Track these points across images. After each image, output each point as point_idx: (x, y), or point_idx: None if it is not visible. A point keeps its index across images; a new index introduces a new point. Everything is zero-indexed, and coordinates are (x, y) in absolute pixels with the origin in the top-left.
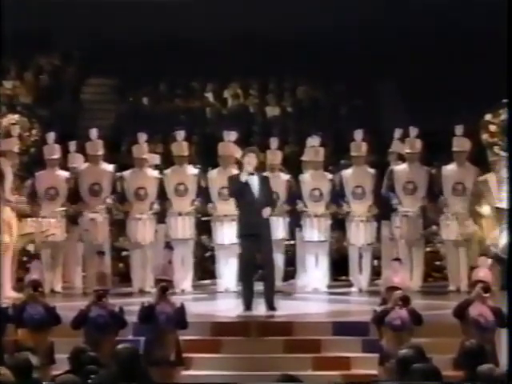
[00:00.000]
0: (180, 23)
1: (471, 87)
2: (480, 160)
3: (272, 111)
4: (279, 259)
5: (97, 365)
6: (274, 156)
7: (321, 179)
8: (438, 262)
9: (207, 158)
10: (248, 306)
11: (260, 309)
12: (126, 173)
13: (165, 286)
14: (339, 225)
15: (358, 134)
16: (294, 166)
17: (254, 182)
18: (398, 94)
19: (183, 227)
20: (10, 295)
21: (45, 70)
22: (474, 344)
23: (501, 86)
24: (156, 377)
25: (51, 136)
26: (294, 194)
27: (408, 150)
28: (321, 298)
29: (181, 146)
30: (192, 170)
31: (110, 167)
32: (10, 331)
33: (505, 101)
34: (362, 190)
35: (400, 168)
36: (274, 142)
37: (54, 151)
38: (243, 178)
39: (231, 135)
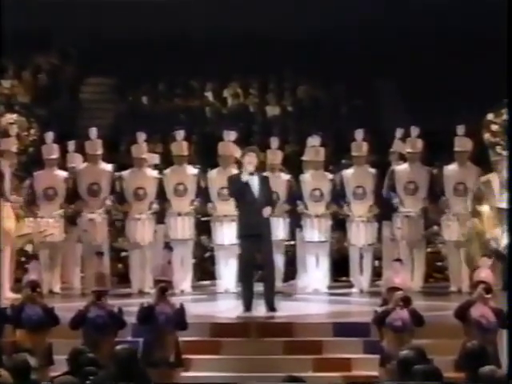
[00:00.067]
0: (179, 22)
1: (473, 87)
2: (482, 160)
3: (272, 110)
4: (279, 260)
5: (96, 366)
6: (275, 156)
7: (321, 179)
8: (439, 263)
9: (207, 157)
10: (248, 306)
11: (260, 310)
12: (125, 173)
13: (164, 287)
14: (340, 225)
15: (359, 134)
16: (294, 165)
17: (254, 182)
18: (399, 94)
19: (183, 227)
20: (8, 296)
21: (43, 69)
22: (475, 345)
23: (502, 86)
24: (155, 378)
25: (49, 136)
26: (295, 194)
27: (409, 150)
28: (321, 299)
29: (180, 145)
30: (191, 170)
31: (108, 167)
32: (9, 332)
33: (505, 100)
34: (363, 190)
35: (401, 168)
36: (274, 142)
37: (52, 151)
38: (244, 177)
39: (231, 135)
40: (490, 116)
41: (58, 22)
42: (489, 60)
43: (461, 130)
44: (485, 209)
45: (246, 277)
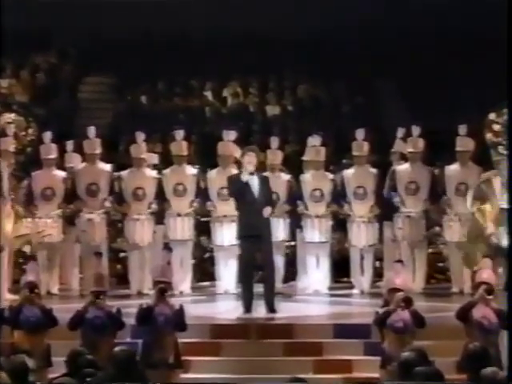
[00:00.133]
0: (179, 21)
1: (473, 87)
2: (484, 160)
3: (272, 110)
4: (279, 260)
5: (94, 368)
6: (275, 156)
7: (322, 179)
8: (440, 264)
9: (206, 157)
10: (248, 308)
11: (260, 311)
12: (124, 173)
13: (163, 287)
14: (340, 225)
15: (360, 134)
16: (294, 165)
17: (254, 182)
18: (401, 93)
19: (182, 228)
20: (6, 297)
21: (41, 69)
22: (477, 347)
23: (503, 86)
24: (154, 380)
25: (48, 135)
26: (295, 195)
27: (410, 150)
28: (322, 300)
29: (180, 145)
30: (191, 170)
31: (107, 167)
32: (6, 333)
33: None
34: (364, 190)
35: (402, 168)
36: (274, 142)
37: (50, 151)
38: (244, 177)
39: (231, 134)
40: (492, 116)
41: (57, 21)
42: (489, 60)
43: (462, 129)
44: (485, 206)
45: (245, 278)
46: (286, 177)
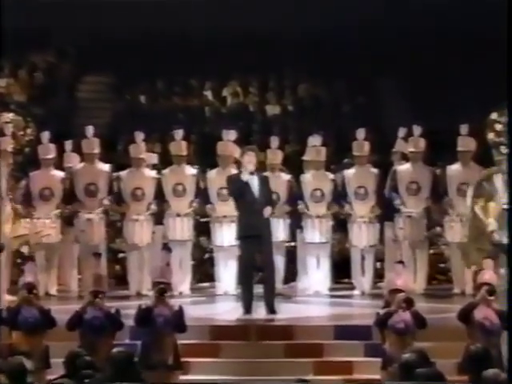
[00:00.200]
0: (179, 21)
1: (474, 86)
2: (485, 160)
3: (272, 110)
4: (280, 261)
5: (93, 369)
6: (275, 155)
7: (322, 179)
8: (442, 265)
9: (206, 157)
10: (248, 309)
11: (260, 312)
12: (123, 173)
13: (163, 288)
14: (341, 226)
15: (361, 133)
16: (294, 165)
17: (254, 182)
18: (402, 93)
19: (181, 228)
20: (6, 298)
21: (39, 68)
22: (479, 348)
23: (503, 86)
24: (153, 381)
25: (46, 135)
26: (295, 195)
27: (411, 149)
28: (322, 301)
29: (179, 145)
30: (190, 170)
31: (106, 167)
32: (5, 334)
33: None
34: (365, 190)
35: (403, 168)
36: (274, 142)
37: (48, 151)
38: (244, 177)
39: (230, 134)
40: (494, 115)
41: (56, 20)
42: (489, 60)
43: (464, 129)
44: (488, 204)
45: (245, 279)
46: (286, 177)
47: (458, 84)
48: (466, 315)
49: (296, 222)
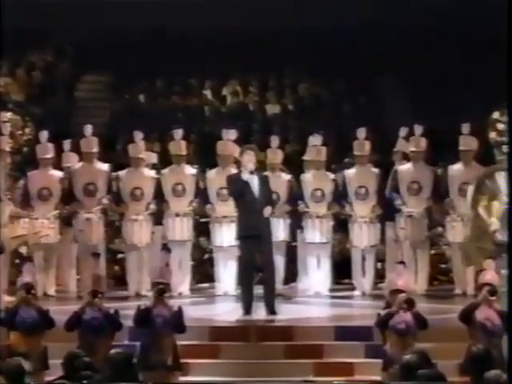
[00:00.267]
0: (179, 21)
1: (475, 86)
2: (487, 159)
3: (272, 109)
4: (280, 261)
5: (91, 370)
6: (275, 155)
7: (323, 179)
8: (443, 265)
9: (205, 157)
10: (247, 309)
11: (260, 313)
12: (122, 172)
13: (162, 289)
14: (342, 226)
15: (361, 133)
16: (295, 165)
17: (254, 182)
18: (403, 92)
19: (181, 229)
20: (3, 298)
21: (37, 67)
22: (480, 349)
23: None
24: (152, 382)
25: (44, 135)
26: (296, 195)
27: (413, 149)
28: (323, 302)
29: (178, 145)
30: (190, 170)
31: (105, 166)
32: (3, 335)
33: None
34: (366, 190)
35: (404, 168)
36: (274, 141)
37: (47, 150)
38: (244, 176)
39: (230, 134)
40: (496, 114)
41: (55, 20)
42: (489, 60)
43: (466, 128)
44: (492, 203)
45: (245, 279)
46: (286, 177)
47: (458, 84)
48: (467, 316)
49: (296, 222)
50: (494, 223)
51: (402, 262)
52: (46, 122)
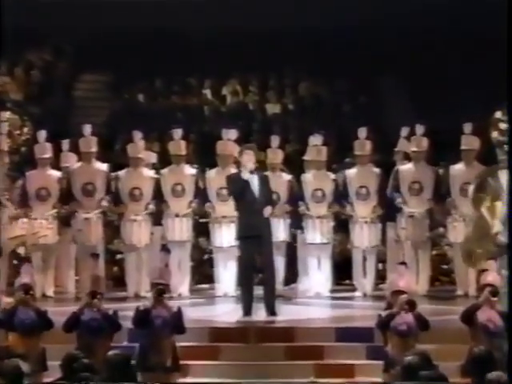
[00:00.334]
0: (179, 21)
1: (475, 86)
2: (489, 159)
3: (272, 108)
4: (280, 262)
5: (90, 372)
6: (275, 155)
7: (323, 179)
8: (445, 266)
9: (205, 157)
10: (247, 310)
11: (260, 314)
12: (121, 172)
13: (161, 289)
14: (342, 226)
15: (362, 132)
16: (295, 165)
17: (254, 181)
18: (404, 91)
19: (180, 229)
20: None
21: (36, 66)
22: (482, 350)
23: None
24: (151, 383)
25: (42, 134)
26: (296, 195)
27: (414, 149)
28: (323, 303)
29: (178, 144)
30: (189, 170)
31: (103, 166)
32: (1, 336)
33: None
34: (367, 190)
35: (405, 167)
36: (274, 141)
37: (45, 150)
38: (244, 176)
39: (230, 133)
40: (498, 114)
41: (54, 19)
42: (489, 60)
43: (468, 128)
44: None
45: (245, 280)
46: (286, 177)
47: (459, 84)
48: (469, 317)
49: (297, 222)
50: (497, 225)
51: (403, 263)
52: (45, 122)
